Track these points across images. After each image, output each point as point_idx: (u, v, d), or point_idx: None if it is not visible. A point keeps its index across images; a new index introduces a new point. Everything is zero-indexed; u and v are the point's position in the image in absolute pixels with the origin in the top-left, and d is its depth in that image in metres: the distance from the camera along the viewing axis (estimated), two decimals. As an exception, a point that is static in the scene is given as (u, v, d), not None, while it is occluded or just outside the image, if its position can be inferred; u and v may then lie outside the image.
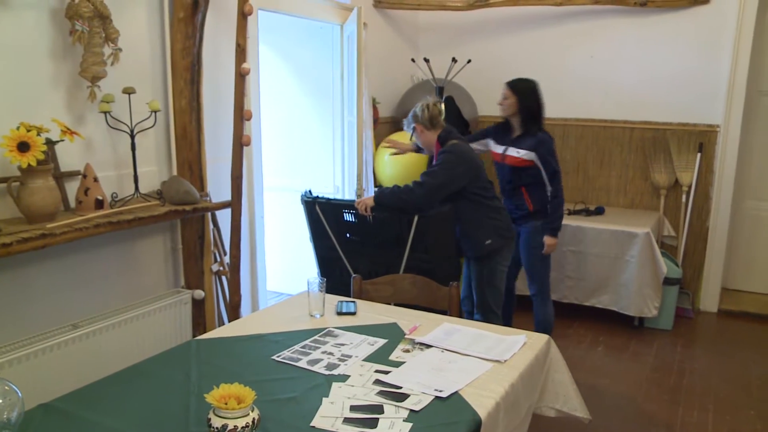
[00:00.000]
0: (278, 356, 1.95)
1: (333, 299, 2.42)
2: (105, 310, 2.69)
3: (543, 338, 2.11)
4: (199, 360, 1.93)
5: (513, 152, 3.39)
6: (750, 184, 4.68)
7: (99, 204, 2.46)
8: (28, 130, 2.17)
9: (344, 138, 4.47)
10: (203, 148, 3.05)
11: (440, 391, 1.72)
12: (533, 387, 1.99)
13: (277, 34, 4.36)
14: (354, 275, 2.63)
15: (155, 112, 2.70)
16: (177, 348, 2.06)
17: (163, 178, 2.94)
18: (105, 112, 2.57)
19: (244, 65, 2.98)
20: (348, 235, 3.30)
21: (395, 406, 1.65)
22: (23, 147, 2.15)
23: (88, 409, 1.64)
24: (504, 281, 3.25)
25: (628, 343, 4.06)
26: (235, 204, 3.07)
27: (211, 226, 3.19)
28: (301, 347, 2.02)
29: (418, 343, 2.06)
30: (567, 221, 4.12)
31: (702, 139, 4.50)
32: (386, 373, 1.84)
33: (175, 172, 2.98)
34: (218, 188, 3.20)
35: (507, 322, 3.60)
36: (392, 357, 1.96)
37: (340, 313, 2.32)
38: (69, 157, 2.52)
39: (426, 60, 4.71)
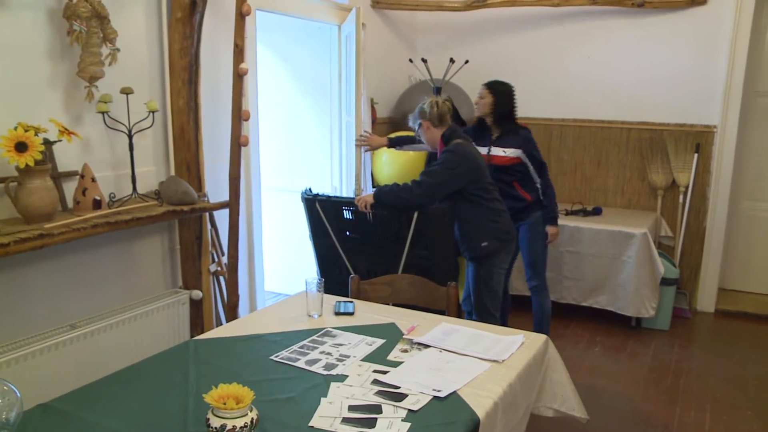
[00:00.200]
0: (276, 356, 1.95)
1: (331, 299, 2.42)
2: (103, 311, 2.69)
3: (541, 338, 2.11)
4: (197, 360, 1.93)
5: (499, 152, 3.42)
6: (747, 184, 4.69)
7: (97, 204, 2.46)
8: (26, 130, 2.17)
9: (342, 138, 4.47)
10: (201, 148, 3.05)
11: (438, 391, 1.72)
12: (531, 387, 1.99)
13: (275, 34, 4.36)
14: (352, 275, 2.63)
15: (153, 112, 2.69)
16: (175, 348, 2.06)
17: (161, 179, 2.94)
18: (103, 113, 2.57)
19: (242, 65, 2.98)
20: (348, 232, 3.31)
21: (393, 406, 1.65)
22: (21, 147, 2.15)
23: (87, 410, 1.64)
24: (502, 284, 3.25)
25: (626, 343, 4.07)
26: (232, 204, 3.07)
27: (209, 226, 3.19)
28: (300, 347, 2.02)
29: (416, 343, 2.06)
30: (564, 221, 4.14)
31: (699, 140, 4.52)
32: (384, 373, 1.84)
33: (172, 173, 2.98)
34: (216, 188, 3.20)
35: (503, 321, 3.60)
36: (390, 357, 1.96)
37: (338, 313, 2.33)
38: (67, 158, 2.51)
39: (424, 60, 4.71)
